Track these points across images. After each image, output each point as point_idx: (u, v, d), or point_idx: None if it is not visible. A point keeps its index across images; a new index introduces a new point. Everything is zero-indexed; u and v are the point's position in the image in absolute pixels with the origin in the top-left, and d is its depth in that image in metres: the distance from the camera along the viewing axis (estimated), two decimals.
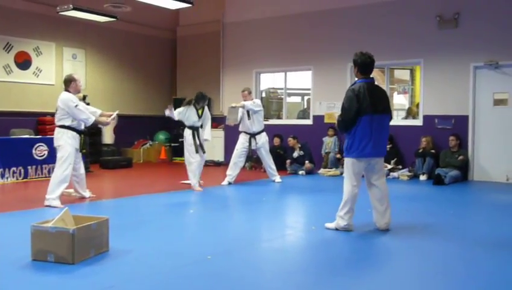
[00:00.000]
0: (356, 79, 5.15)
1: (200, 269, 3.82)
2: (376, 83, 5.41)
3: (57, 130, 6.54)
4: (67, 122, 6.49)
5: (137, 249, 4.36)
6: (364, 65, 5.03)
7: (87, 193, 7.05)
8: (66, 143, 6.46)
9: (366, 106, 4.87)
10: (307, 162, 10.66)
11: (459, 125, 9.87)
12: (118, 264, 3.91)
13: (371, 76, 5.14)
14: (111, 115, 7.05)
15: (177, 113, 8.19)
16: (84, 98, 6.56)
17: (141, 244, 4.53)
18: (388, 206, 5.19)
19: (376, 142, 4.97)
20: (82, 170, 6.91)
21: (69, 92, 6.55)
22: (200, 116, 8.19)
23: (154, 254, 4.22)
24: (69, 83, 6.59)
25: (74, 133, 6.54)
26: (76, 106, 6.44)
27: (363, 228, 5.26)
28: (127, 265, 3.91)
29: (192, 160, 8.10)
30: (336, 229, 5.12)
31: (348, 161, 5.12)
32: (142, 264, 3.93)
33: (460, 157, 9.50)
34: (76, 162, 6.73)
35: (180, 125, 14.31)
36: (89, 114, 6.60)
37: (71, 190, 7.10)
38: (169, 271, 3.75)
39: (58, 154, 6.49)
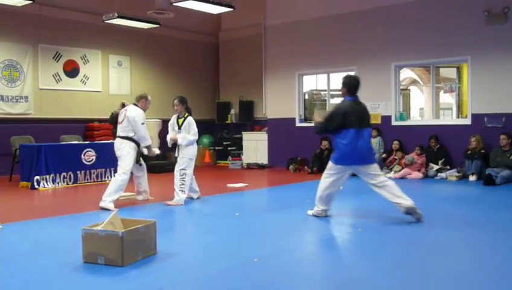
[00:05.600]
0: (344, 97, 5.83)
1: (247, 271, 3.82)
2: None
3: (120, 140, 6.88)
4: (131, 134, 6.87)
5: (184, 251, 4.41)
6: (353, 87, 5.79)
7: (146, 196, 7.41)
8: (129, 154, 6.84)
9: (353, 121, 5.55)
10: None
11: (510, 123, 9.53)
12: (165, 267, 3.95)
13: (356, 94, 5.84)
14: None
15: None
16: (123, 105, 6.87)
17: (188, 247, 4.58)
18: (400, 190, 5.54)
19: (361, 152, 5.57)
20: (144, 171, 7.28)
21: (138, 106, 6.99)
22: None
23: (201, 257, 4.25)
24: (140, 98, 7.09)
25: (135, 145, 6.92)
26: (142, 123, 6.89)
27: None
28: (175, 268, 3.95)
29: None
30: (314, 215, 5.94)
31: (332, 165, 5.76)
32: (189, 267, 3.97)
33: None
34: (141, 169, 7.17)
35: (224, 129, 14.53)
36: (149, 136, 7.02)
37: (131, 194, 7.46)
38: (216, 274, 3.76)
39: (121, 163, 6.83)
